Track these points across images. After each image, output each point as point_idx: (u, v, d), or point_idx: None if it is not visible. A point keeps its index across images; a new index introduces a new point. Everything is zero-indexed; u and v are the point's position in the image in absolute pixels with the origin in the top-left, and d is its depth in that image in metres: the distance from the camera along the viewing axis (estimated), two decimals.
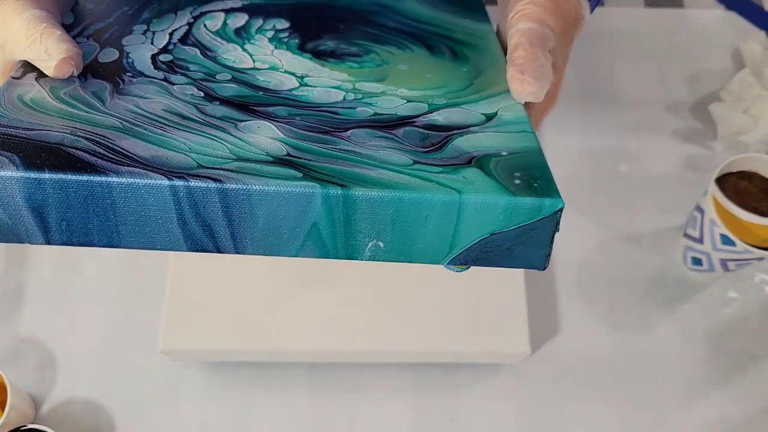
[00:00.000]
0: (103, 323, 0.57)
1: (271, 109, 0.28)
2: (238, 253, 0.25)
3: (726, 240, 0.50)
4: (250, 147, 0.25)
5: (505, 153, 0.26)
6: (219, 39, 0.33)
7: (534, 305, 0.56)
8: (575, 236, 0.61)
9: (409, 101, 0.29)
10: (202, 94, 0.29)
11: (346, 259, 0.26)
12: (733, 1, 0.73)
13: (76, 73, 0.29)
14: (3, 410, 0.49)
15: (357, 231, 0.25)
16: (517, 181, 0.25)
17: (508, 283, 0.52)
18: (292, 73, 0.31)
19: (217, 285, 0.52)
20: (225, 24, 0.34)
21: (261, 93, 0.29)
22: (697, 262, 0.56)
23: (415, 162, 0.25)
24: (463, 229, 0.25)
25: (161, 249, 0.25)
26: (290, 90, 0.30)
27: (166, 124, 0.27)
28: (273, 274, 0.52)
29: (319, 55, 0.33)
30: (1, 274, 0.59)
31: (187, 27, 0.34)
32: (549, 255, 0.26)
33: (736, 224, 0.50)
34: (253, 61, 0.32)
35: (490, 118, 0.28)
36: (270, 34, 0.34)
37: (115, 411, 0.54)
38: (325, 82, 0.30)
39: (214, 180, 0.23)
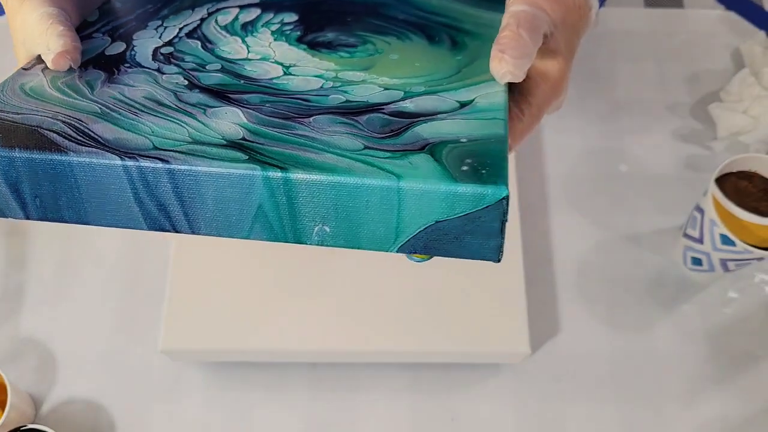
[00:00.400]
0: (103, 323, 0.57)
1: (245, 96, 0.29)
2: (193, 233, 0.27)
3: (726, 240, 0.50)
4: (209, 131, 0.26)
5: (464, 140, 0.25)
6: (224, 32, 0.34)
7: (534, 305, 0.56)
8: (575, 236, 0.61)
9: (386, 89, 0.29)
10: (186, 83, 0.30)
11: (295, 242, 0.26)
12: (733, 1, 0.73)
13: (73, 66, 0.31)
14: (3, 410, 0.49)
15: (301, 214, 0.25)
16: (465, 168, 0.24)
17: (508, 283, 0.52)
18: (281, 63, 0.31)
19: (217, 285, 0.52)
20: (236, 19, 0.35)
21: (242, 81, 0.30)
22: (697, 262, 0.56)
23: (365, 147, 0.25)
24: (406, 215, 0.24)
25: (125, 227, 0.27)
26: (271, 79, 0.30)
27: (141, 110, 0.28)
28: (273, 275, 0.52)
29: (315, 46, 0.33)
30: (1, 274, 0.59)
31: (198, 22, 0.35)
32: (501, 246, 0.25)
33: (736, 224, 0.50)
34: (248, 52, 0.32)
35: (464, 105, 0.28)
36: (275, 27, 0.34)
37: (115, 411, 0.54)
38: (309, 71, 0.31)
39: (162, 160, 0.25)
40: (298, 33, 0.34)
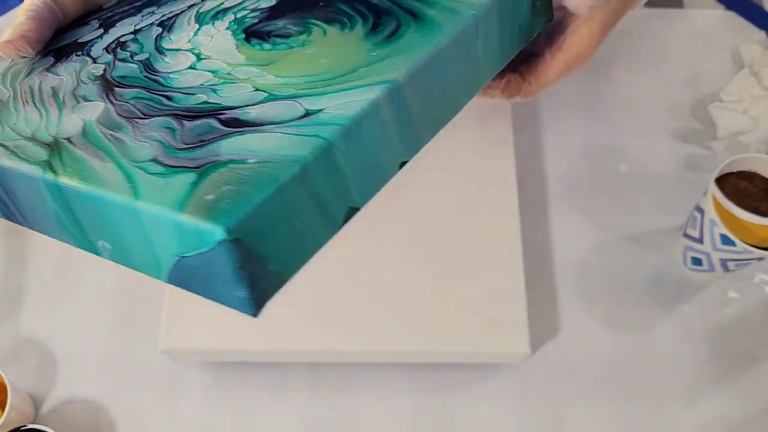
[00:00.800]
0: (103, 323, 0.57)
1: (126, 90, 0.27)
2: (33, 229, 0.27)
3: (726, 240, 0.50)
4: (52, 127, 0.26)
5: (253, 160, 0.21)
6: (191, 21, 0.32)
7: (534, 305, 0.56)
8: (575, 236, 0.61)
9: (256, 90, 0.26)
10: (100, 73, 0.29)
11: (95, 254, 0.25)
12: (733, 1, 0.73)
13: (23, 55, 0.32)
14: (3, 410, 0.49)
15: (83, 225, 0.24)
16: (210, 197, 0.20)
17: (507, 283, 0.52)
18: (198, 55, 0.29)
19: None
20: (219, 5, 0.33)
21: (143, 74, 0.28)
22: (697, 262, 0.56)
23: (153, 159, 0.22)
24: (157, 244, 0.21)
25: None
26: (169, 72, 0.28)
27: (32, 101, 0.28)
28: None
29: (252, 36, 0.30)
30: (1, 274, 0.59)
31: (185, 8, 0.33)
32: (255, 300, 0.21)
33: (736, 224, 0.50)
34: (188, 41, 0.30)
35: (307, 115, 0.23)
36: (243, 13, 0.32)
37: (115, 411, 0.54)
38: (211, 66, 0.28)
39: None
40: (255, 20, 0.31)
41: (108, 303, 0.58)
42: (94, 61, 0.30)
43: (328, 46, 0.28)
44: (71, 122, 0.26)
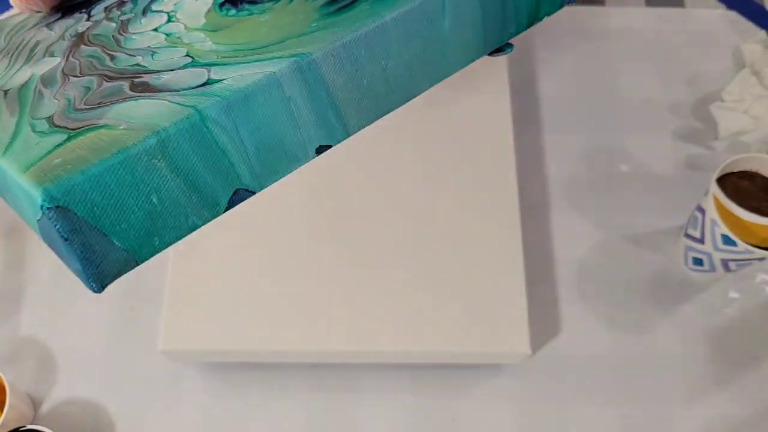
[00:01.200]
0: (103, 323, 0.57)
1: (88, 48, 0.26)
2: None
3: (727, 240, 0.50)
4: (6, 78, 0.26)
5: (123, 127, 0.20)
6: None
7: (534, 305, 0.56)
8: (576, 236, 0.61)
9: (188, 55, 0.24)
10: (82, 31, 0.28)
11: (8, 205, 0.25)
12: (734, 1, 0.73)
13: (39, 9, 0.31)
14: (1, 411, 0.49)
15: None
16: (58, 161, 0.19)
17: (507, 283, 0.52)
18: (170, 17, 0.28)
19: (216, 285, 0.51)
20: None
21: (113, 34, 0.27)
22: (698, 262, 0.56)
23: (47, 118, 0.22)
24: (23, 202, 0.20)
25: None
26: (134, 33, 0.27)
27: (11, 52, 0.28)
28: (273, 275, 0.52)
29: (228, 2, 0.28)
30: (1, 275, 0.59)
31: None
32: (91, 274, 0.20)
33: (737, 224, 0.50)
34: (173, 4, 0.29)
35: (204, 84, 0.22)
36: None
37: (114, 411, 0.54)
38: (171, 29, 0.27)
39: None
40: None
41: (108, 303, 0.58)
42: (89, 18, 0.29)
43: (282, 15, 0.25)
44: (22, 75, 0.25)
